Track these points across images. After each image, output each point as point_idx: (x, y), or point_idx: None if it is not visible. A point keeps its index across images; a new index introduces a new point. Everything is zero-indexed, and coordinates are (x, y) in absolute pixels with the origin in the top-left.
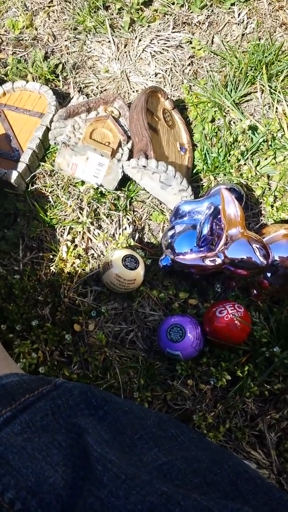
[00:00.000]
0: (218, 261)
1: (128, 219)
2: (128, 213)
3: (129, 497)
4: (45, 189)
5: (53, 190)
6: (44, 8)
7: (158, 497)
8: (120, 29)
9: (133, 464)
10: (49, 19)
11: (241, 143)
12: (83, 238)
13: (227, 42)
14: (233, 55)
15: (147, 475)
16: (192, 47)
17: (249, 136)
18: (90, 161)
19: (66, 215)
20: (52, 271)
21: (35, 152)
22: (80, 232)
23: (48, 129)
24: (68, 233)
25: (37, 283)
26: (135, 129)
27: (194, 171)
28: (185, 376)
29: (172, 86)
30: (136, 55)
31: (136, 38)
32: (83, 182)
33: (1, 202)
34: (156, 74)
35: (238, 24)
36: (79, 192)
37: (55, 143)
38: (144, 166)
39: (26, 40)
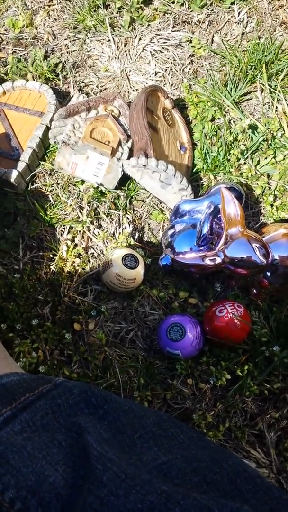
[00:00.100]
0: (218, 260)
1: (128, 218)
2: (128, 212)
3: (129, 496)
4: (45, 188)
5: (53, 189)
6: (44, 7)
7: (158, 496)
8: (120, 28)
9: (133, 463)
10: (49, 18)
11: (241, 142)
12: (83, 237)
13: (227, 41)
14: (233, 54)
15: (147, 474)
16: (192, 46)
17: (249, 135)
18: (90, 160)
19: (66, 214)
20: (52, 270)
21: (35, 151)
22: (80, 231)
23: (48, 128)
24: (68, 232)
25: (37, 282)
26: (135, 128)
27: (194, 170)
28: (185, 375)
29: (172, 85)
30: (136, 54)
31: (136, 37)
32: (83, 181)
33: (1, 201)
34: (156, 73)
35: (238, 23)
36: (79, 191)
37: (55, 142)
38: (144, 165)
39: (26, 39)
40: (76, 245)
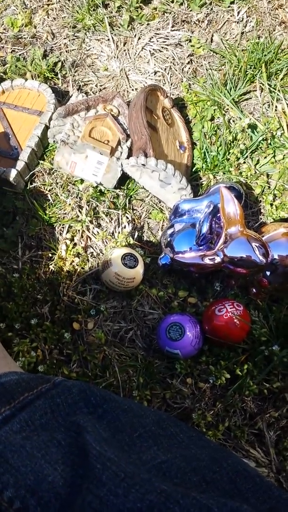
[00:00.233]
0: (218, 259)
1: (127, 218)
2: (127, 212)
3: (128, 495)
4: (44, 188)
5: (52, 188)
6: (43, 6)
7: (157, 495)
8: (119, 27)
9: (132, 463)
10: (48, 17)
11: (241, 141)
12: (82, 236)
13: (227, 40)
14: (233, 53)
15: (146, 473)
16: (191, 45)
17: (248, 134)
18: (89, 160)
19: (65, 214)
20: (51, 269)
21: (34, 150)
22: (79, 230)
23: (47, 127)
24: (67, 231)
25: (36, 282)
26: (134, 128)
27: (193, 170)
28: (184, 375)
29: (171, 84)
30: (135, 53)
31: (135, 36)
32: (82, 181)
33: (0, 200)
34: (155, 72)
35: (238, 23)
36: (78, 190)
37: (54, 141)
38: (143, 165)
39: (25, 38)
40: (75, 244)
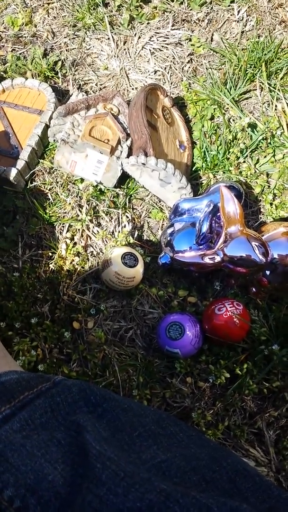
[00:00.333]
0: (217, 259)
1: (127, 217)
2: (127, 211)
3: (128, 495)
4: (44, 187)
5: (52, 187)
6: (43, 5)
7: (157, 494)
8: (120, 26)
9: (132, 462)
10: (48, 16)
11: (241, 140)
12: (82, 235)
13: (227, 39)
14: (233, 52)
15: (146, 473)
16: (191, 45)
17: (248, 133)
18: (89, 159)
19: (65, 213)
20: (51, 268)
21: (34, 149)
22: (79, 229)
23: (47, 126)
24: (67, 230)
25: (36, 281)
26: (134, 127)
27: (193, 169)
28: (184, 374)
29: (171, 83)
30: (136, 52)
31: (135, 35)
32: (82, 180)
33: (0, 199)
34: (155, 72)
35: (238, 22)
36: (78, 189)
37: (54, 140)
38: (143, 164)
39: (25, 37)
40: (75, 243)
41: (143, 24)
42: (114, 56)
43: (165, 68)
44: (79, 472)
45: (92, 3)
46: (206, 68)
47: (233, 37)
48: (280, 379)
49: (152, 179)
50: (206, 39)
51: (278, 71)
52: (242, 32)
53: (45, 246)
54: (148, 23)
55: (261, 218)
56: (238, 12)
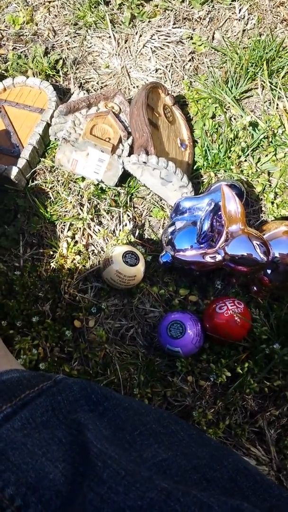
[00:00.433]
0: (219, 257)
1: (128, 216)
2: (128, 210)
3: (129, 493)
4: (46, 185)
5: (54, 186)
6: (44, 3)
7: (158, 493)
8: (121, 25)
9: (132, 460)
10: (49, 15)
11: (242, 139)
12: (83, 234)
13: (228, 38)
14: (234, 51)
15: (146, 471)
16: (192, 43)
17: (249, 132)
18: (91, 157)
19: (66, 211)
20: (53, 267)
21: (35, 148)
22: (80, 228)
23: (48, 125)
24: (69, 229)
25: (38, 279)
26: (136, 125)
27: (194, 168)
28: (185, 373)
29: (172, 82)
30: (137, 50)
31: (136, 33)
32: (83, 178)
33: (2, 198)
34: (156, 70)
35: (239, 20)
36: (80, 188)
37: (55, 138)
38: (144, 162)
39: (26, 35)
40: (76, 242)
41: (144, 22)
42: (115, 55)
43: (166, 66)
44: (80, 471)
45: (93, 2)
46: (208, 66)
47: (235, 35)
48: (281, 378)
49: (153, 177)
50: (207, 38)
51: (280, 69)
52: (244, 30)
53: (46, 245)
54: (149, 22)
55: (262, 217)
56: (240, 10)
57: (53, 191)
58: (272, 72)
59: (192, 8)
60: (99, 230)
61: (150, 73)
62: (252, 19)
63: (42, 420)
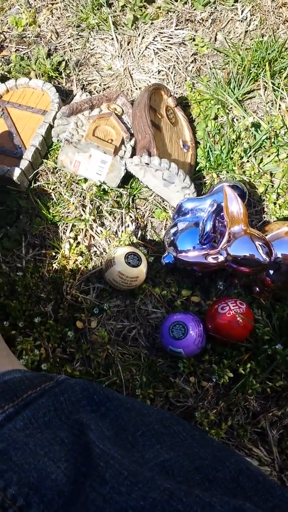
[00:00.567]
0: (221, 258)
1: (130, 217)
2: (130, 211)
3: (131, 493)
4: (48, 186)
5: (56, 187)
6: (47, 6)
7: (161, 493)
8: (123, 26)
9: (135, 461)
10: (52, 17)
11: (244, 140)
12: (85, 235)
13: (230, 39)
14: (236, 52)
15: (149, 472)
16: (195, 44)
17: (252, 133)
18: (93, 159)
19: (68, 213)
20: (55, 268)
21: (38, 149)
22: (82, 229)
23: (51, 126)
24: (71, 230)
25: (40, 280)
26: (138, 126)
27: (197, 169)
28: (187, 374)
29: (175, 83)
30: (139, 52)
31: (139, 35)
32: (85, 180)
33: (4, 199)
34: (159, 71)
35: (241, 21)
36: (82, 189)
37: (58, 140)
38: (147, 164)
39: (29, 37)
40: (78, 243)
41: (147, 24)
42: (118, 56)
43: (169, 68)
44: (82, 471)
45: (96, 4)
46: (210, 68)
47: (237, 36)
48: (283, 379)
49: (155, 179)
50: (209, 39)
51: (282, 70)
52: (246, 31)
53: (48, 246)
54: (152, 23)
55: (264, 217)
56: (242, 11)
57: (56, 192)
58: (274, 73)
59: (194, 9)
60: (101, 231)
61: (153, 74)
62: (255, 20)
63: (44, 420)
